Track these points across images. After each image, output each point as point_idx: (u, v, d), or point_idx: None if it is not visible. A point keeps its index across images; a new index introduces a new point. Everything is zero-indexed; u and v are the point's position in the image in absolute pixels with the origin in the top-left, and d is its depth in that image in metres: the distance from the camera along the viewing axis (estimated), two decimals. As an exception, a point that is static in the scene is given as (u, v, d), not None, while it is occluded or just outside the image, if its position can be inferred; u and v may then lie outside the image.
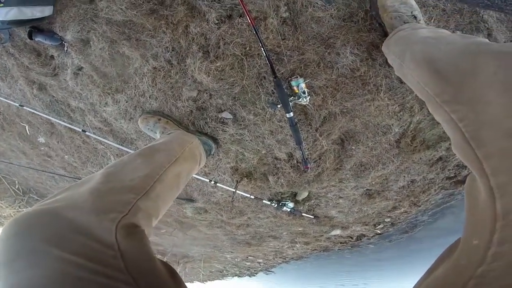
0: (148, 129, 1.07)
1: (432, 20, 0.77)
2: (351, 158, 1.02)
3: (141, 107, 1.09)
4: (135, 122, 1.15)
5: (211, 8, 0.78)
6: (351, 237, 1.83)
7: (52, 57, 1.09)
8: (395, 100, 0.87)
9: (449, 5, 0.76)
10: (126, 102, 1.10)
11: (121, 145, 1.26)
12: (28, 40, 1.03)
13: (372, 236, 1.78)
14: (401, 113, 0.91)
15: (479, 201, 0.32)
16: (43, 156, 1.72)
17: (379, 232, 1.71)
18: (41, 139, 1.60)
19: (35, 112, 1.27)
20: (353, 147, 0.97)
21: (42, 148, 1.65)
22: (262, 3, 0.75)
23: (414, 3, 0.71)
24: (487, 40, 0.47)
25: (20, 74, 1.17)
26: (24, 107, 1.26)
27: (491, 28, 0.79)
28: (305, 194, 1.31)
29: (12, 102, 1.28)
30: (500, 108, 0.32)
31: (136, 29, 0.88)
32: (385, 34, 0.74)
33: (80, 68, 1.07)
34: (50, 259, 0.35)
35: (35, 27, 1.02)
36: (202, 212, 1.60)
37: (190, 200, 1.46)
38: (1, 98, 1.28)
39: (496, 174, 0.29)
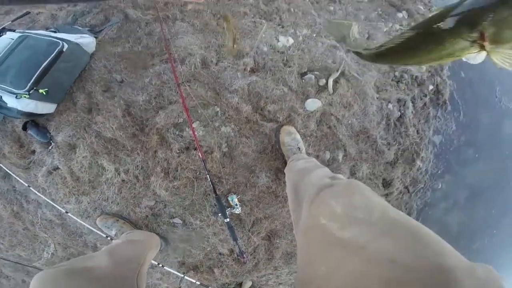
0: (106, 226, 1.20)
1: (310, 146, 1.21)
2: (279, 249, 1.29)
3: (101, 209, 1.24)
4: (91, 220, 1.26)
5: (175, 140, 1.12)
6: (296, 324, 1.88)
7: (33, 152, 1.20)
8: (303, 205, 1.24)
9: (319, 132, 1.22)
10: (88, 203, 1.24)
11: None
12: (18, 129, 1.11)
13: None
14: (308, 213, 1.28)
15: None
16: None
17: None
18: (-29, 218, 1.45)
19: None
20: (278, 241, 1.26)
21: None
22: (210, 141, 1.13)
23: (299, 137, 1.12)
24: (325, 173, 0.74)
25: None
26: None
27: (345, 144, 1.27)
28: (249, 284, 1.45)
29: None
30: (301, 238, 0.53)
31: (118, 147, 1.14)
32: (285, 161, 1.13)
33: (56, 168, 1.19)
34: None
35: (34, 120, 1.13)
36: (145, 312, 1.54)
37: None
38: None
39: None
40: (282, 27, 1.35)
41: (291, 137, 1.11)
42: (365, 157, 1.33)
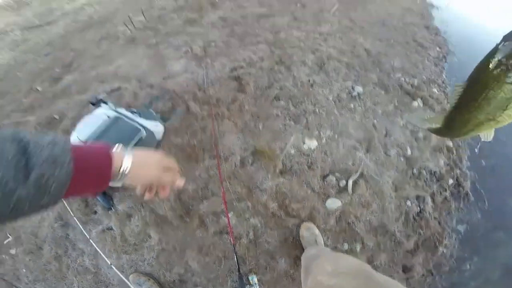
0: (137, 283, 1.40)
1: (329, 239, 1.34)
2: (291, 331, 1.40)
3: (136, 267, 1.44)
4: (125, 275, 1.46)
5: (212, 225, 1.36)
6: None
7: (95, 212, 1.47)
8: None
9: (338, 227, 1.41)
10: (127, 261, 1.46)
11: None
12: (88, 195, 1.34)
13: None
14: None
15: None
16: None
17: None
18: (12, 251, 1.55)
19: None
20: (291, 323, 1.39)
21: (2, 256, 1.57)
22: (240, 228, 1.35)
23: (317, 232, 1.30)
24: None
25: (58, 210, 1.46)
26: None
27: (363, 238, 1.34)
28: None
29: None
30: None
31: (166, 222, 1.38)
32: (303, 250, 1.32)
33: (110, 229, 1.45)
34: None
35: (103, 189, 1.40)
36: None
37: None
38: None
39: None
40: (308, 129, 1.67)
41: (309, 231, 1.33)
42: (383, 248, 1.39)
